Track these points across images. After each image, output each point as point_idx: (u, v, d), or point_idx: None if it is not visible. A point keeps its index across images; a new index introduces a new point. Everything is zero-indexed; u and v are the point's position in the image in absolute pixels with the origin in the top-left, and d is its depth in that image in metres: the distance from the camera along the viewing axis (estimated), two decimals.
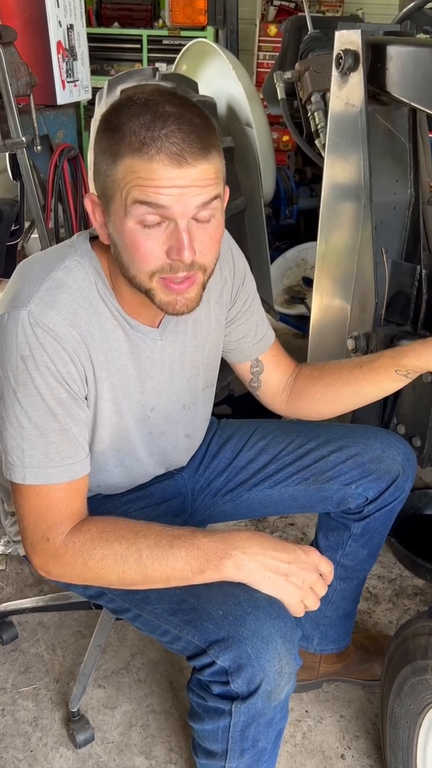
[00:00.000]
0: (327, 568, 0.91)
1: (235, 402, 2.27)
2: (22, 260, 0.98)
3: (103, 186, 0.86)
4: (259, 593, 0.87)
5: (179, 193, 0.82)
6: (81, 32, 2.25)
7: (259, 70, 4.99)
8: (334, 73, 1.36)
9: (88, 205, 0.91)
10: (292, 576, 0.88)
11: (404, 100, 1.24)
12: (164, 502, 1.17)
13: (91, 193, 0.90)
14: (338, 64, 1.34)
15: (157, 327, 1.02)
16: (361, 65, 1.30)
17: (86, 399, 0.96)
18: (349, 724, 1.41)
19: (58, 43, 2.14)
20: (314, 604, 0.89)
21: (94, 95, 2.08)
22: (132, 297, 0.95)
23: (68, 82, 2.23)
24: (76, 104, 2.51)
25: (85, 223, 2.36)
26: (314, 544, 1.36)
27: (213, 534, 0.89)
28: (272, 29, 4.90)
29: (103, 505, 1.11)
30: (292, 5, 4.91)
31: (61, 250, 0.96)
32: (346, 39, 1.32)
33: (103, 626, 1.37)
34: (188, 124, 0.81)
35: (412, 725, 1.09)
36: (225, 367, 1.26)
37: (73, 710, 1.35)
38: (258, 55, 5.02)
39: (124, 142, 0.82)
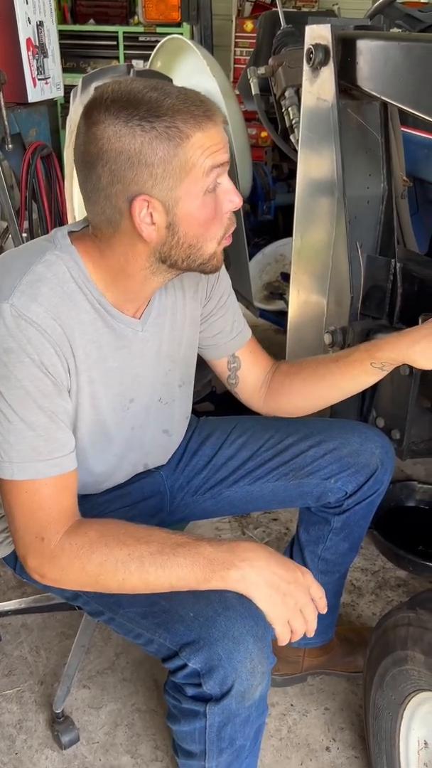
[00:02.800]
0: (318, 592, 0.92)
1: (218, 399, 2.27)
2: None
3: (163, 176, 0.84)
4: (231, 592, 0.87)
5: (226, 141, 0.89)
6: (51, 29, 2.22)
7: (236, 66, 4.99)
8: (305, 67, 1.36)
9: (140, 207, 0.86)
10: (288, 596, 0.88)
11: (375, 94, 1.24)
12: (142, 501, 1.17)
13: (141, 195, 0.86)
14: (309, 59, 1.34)
15: (139, 318, 1.02)
16: (331, 60, 1.30)
17: (69, 392, 0.95)
18: (333, 716, 1.42)
19: (28, 41, 2.11)
20: (301, 628, 0.89)
21: (67, 93, 2.07)
22: (124, 289, 0.96)
23: (39, 79, 2.21)
24: (52, 102, 2.49)
25: (60, 221, 2.34)
26: (295, 538, 1.37)
27: (218, 543, 0.89)
28: (249, 25, 4.89)
29: (79, 505, 1.10)
30: (268, 1, 4.91)
31: (41, 245, 0.95)
32: (316, 33, 1.32)
33: (87, 626, 1.37)
34: (187, 90, 0.87)
35: (394, 716, 1.10)
36: (206, 364, 1.26)
37: (57, 711, 1.34)
38: (235, 51, 5.02)
39: (179, 120, 0.83)
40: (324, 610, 0.92)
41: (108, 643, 1.57)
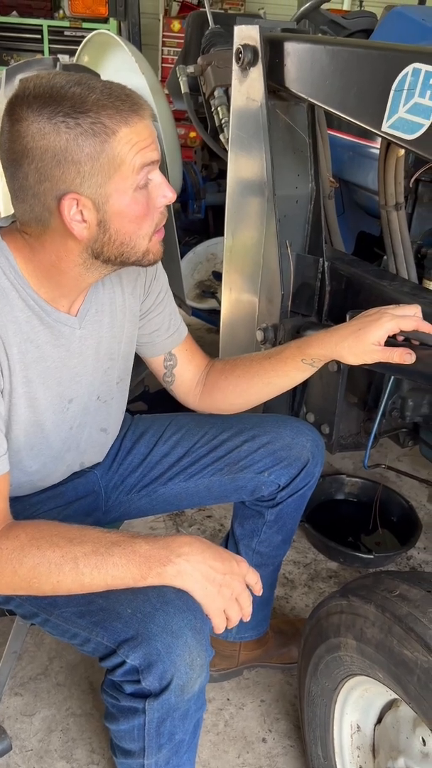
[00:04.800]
0: (253, 578, 0.93)
1: (151, 398, 2.26)
2: None
3: (91, 173, 0.84)
4: (168, 587, 0.87)
5: (155, 136, 0.89)
6: None
7: (164, 65, 4.99)
8: (235, 67, 1.38)
9: (69, 205, 0.85)
10: (224, 587, 0.89)
11: (302, 96, 1.27)
12: (76, 501, 1.15)
13: (70, 193, 0.84)
14: (238, 59, 1.35)
15: (76, 315, 1.00)
16: (260, 60, 1.32)
17: (2, 393, 0.92)
18: (269, 707, 1.44)
19: None
20: (236, 616, 0.90)
21: None
22: (57, 284, 0.94)
23: None
24: None
25: None
26: (230, 533, 1.38)
27: (154, 540, 0.88)
28: (176, 25, 4.90)
29: (11, 506, 1.07)
30: (195, 1, 4.93)
31: None
32: (245, 34, 1.33)
33: (18, 632, 1.33)
34: (112, 84, 0.86)
35: (328, 702, 1.13)
36: (139, 362, 1.25)
37: None
38: (162, 50, 5.02)
39: (104, 116, 0.82)
40: (260, 593, 0.94)
41: (41, 648, 1.54)
